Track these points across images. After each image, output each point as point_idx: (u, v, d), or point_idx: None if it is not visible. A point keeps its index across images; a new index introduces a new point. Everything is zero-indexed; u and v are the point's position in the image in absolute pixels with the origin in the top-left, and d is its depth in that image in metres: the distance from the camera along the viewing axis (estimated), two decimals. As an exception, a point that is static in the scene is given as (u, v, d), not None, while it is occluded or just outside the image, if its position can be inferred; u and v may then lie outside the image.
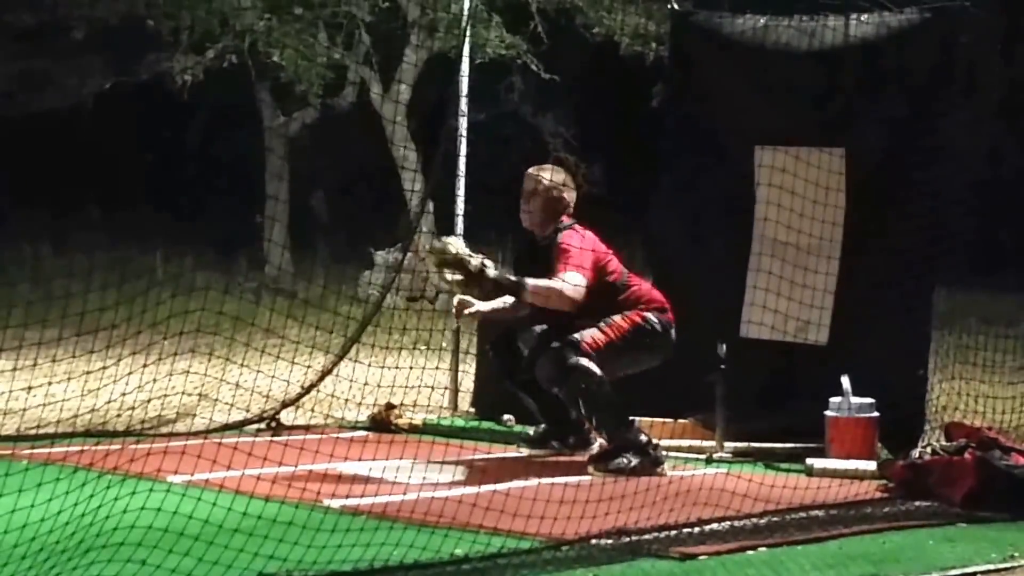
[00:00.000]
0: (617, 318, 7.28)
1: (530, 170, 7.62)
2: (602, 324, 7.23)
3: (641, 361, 7.36)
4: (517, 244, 7.90)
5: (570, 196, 7.52)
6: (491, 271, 7.18)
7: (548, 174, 7.56)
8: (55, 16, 16.77)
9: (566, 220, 7.45)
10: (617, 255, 7.50)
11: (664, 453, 7.26)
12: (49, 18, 16.91)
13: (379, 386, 8.16)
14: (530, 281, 7.16)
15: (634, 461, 7.08)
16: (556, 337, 7.23)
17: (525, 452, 7.63)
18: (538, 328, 7.43)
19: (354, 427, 8.32)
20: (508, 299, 7.42)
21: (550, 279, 7.16)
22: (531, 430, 7.76)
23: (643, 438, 7.18)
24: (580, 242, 7.32)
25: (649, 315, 7.34)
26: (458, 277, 7.23)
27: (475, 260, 7.18)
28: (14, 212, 18.51)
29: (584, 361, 7.09)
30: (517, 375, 7.49)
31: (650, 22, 15.17)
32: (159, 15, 15.97)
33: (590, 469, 7.10)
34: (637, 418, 7.31)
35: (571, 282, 7.14)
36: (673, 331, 7.41)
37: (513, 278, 7.22)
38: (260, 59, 16.21)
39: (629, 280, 7.43)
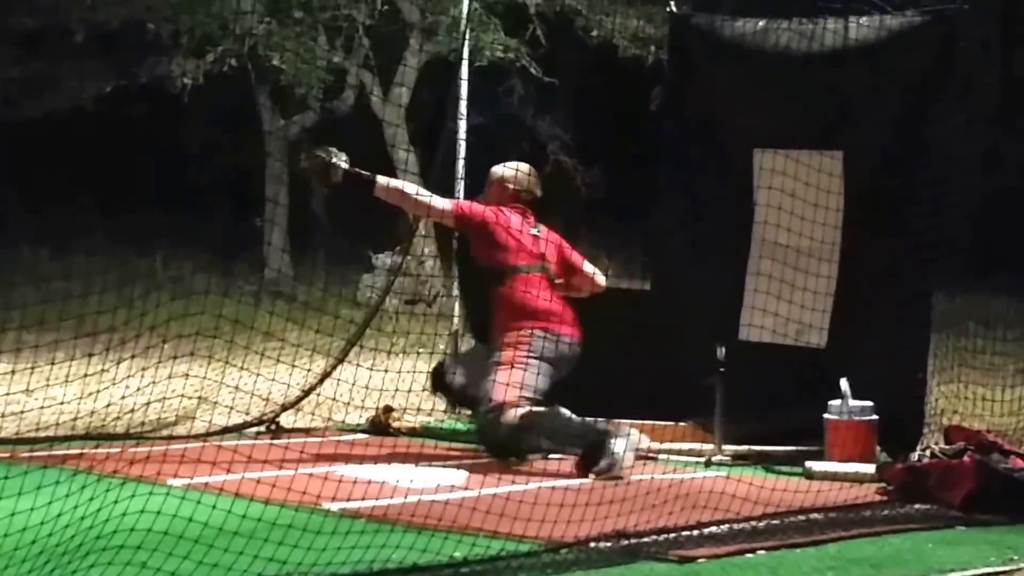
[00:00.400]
0: (510, 349, 7.35)
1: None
2: (505, 360, 7.33)
3: (551, 377, 7.42)
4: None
5: (515, 187, 7.79)
6: (342, 162, 7.49)
7: (500, 169, 7.90)
8: (56, 20, 16.77)
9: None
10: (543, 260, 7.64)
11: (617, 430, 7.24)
12: (50, 21, 16.91)
13: (378, 390, 8.16)
14: (381, 178, 7.49)
15: (613, 454, 7.09)
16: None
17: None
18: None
19: (353, 430, 8.32)
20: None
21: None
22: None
23: (601, 426, 7.19)
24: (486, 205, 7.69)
25: (536, 337, 7.37)
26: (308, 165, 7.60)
27: (329, 154, 7.51)
28: (15, 215, 18.52)
29: (518, 418, 7.16)
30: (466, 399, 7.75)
31: (649, 25, 15.19)
32: (159, 19, 15.98)
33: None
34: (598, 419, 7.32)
35: (426, 194, 7.61)
36: (571, 346, 7.49)
37: (366, 173, 7.48)
38: (260, 62, 16.21)
39: (519, 277, 7.51)
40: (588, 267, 7.88)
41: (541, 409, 7.19)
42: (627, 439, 7.13)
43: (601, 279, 7.91)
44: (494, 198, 7.80)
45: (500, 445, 7.37)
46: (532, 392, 7.25)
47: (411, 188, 7.66)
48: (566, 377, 7.44)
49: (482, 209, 7.66)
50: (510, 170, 7.89)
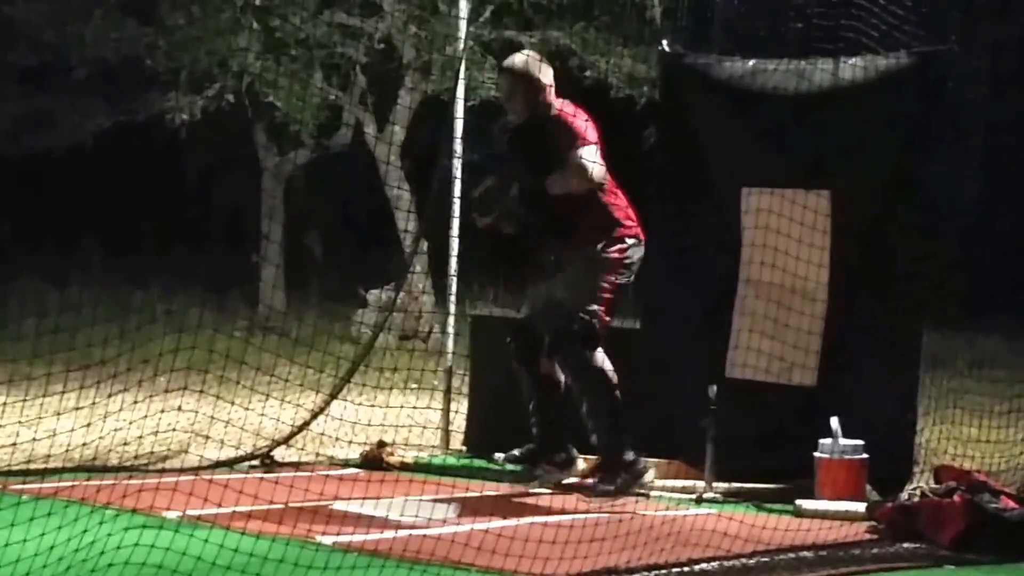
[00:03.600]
0: (610, 270, 7.31)
1: (503, 65, 7.67)
2: (601, 286, 7.28)
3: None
4: (500, 137, 7.83)
5: (546, 73, 7.49)
6: (516, 207, 7.33)
7: (519, 62, 7.55)
8: (57, 56, 16.87)
9: (553, 98, 7.46)
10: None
11: (647, 468, 7.36)
12: (51, 58, 17.01)
13: (371, 424, 8.19)
14: (549, 180, 7.20)
15: (617, 481, 7.18)
16: (565, 304, 7.26)
17: (506, 465, 7.70)
18: (545, 293, 7.45)
19: (346, 465, 8.35)
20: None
21: (564, 165, 7.17)
22: (517, 450, 7.83)
23: (629, 455, 7.26)
24: (579, 118, 7.34)
25: (629, 247, 7.41)
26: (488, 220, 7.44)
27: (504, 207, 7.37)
28: (16, 248, 18.58)
29: (605, 365, 7.21)
30: (534, 367, 7.54)
31: (643, 65, 15.27)
32: (158, 56, 16.07)
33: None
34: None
35: (589, 158, 7.19)
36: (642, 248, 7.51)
37: (533, 189, 7.23)
38: (256, 99, 16.29)
39: (609, 179, 7.46)
40: None
41: (614, 378, 7.23)
42: (632, 476, 7.21)
43: None
44: (534, 97, 7.43)
45: (564, 367, 7.33)
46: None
47: (575, 163, 7.20)
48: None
49: (594, 132, 7.33)
50: (538, 62, 7.54)
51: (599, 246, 7.37)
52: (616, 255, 7.41)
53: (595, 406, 7.27)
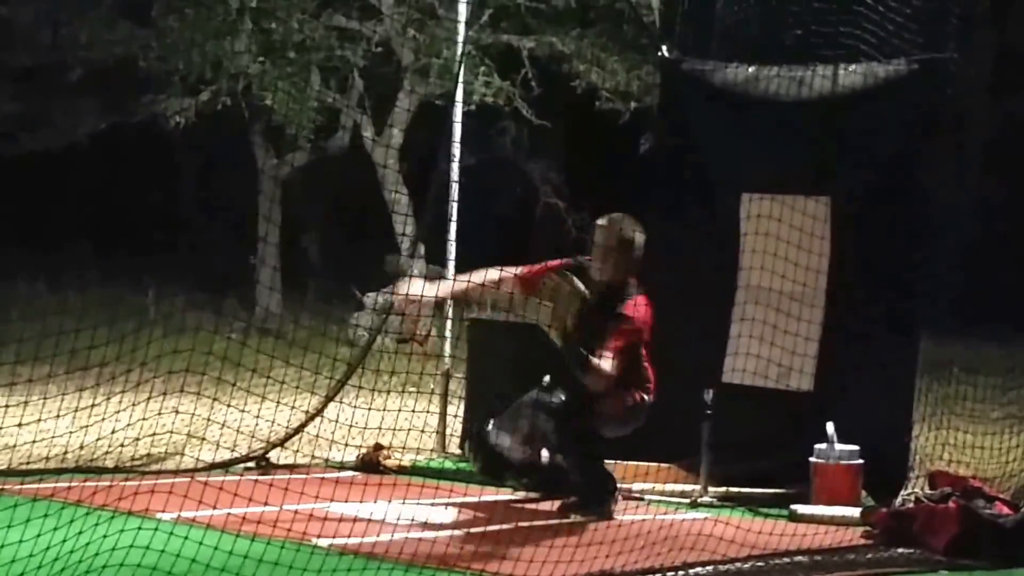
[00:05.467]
0: (627, 397, 7.24)
1: (602, 222, 7.30)
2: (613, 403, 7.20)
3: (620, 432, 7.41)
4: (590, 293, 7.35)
5: (641, 252, 7.29)
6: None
7: (627, 230, 7.27)
8: (53, 57, 16.88)
9: (634, 282, 7.29)
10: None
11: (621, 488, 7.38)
12: (47, 59, 17.03)
13: (370, 428, 8.18)
14: (594, 362, 6.99)
15: (603, 507, 7.18)
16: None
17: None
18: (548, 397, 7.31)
19: (343, 467, 8.35)
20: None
21: (600, 356, 7.00)
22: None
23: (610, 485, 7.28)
24: (641, 315, 7.19)
25: (646, 398, 7.33)
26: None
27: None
28: (9, 249, 18.57)
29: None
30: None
31: (636, 73, 15.32)
32: (153, 58, 16.08)
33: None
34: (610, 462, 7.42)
35: (606, 369, 6.99)
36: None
37: (583, 353, 7.01)
38: (253, 102, 16.31)
39: (646, 355, 7.39)
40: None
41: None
42: (611, 500, 7.25)
43: None
44: (627, 269, 7.28)
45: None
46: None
47: (605, 367, 7.02)
48: None
49: (644, 333, 7.26)
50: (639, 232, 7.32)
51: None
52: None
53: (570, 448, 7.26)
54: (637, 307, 7.17)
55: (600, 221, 7.30)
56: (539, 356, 7.31)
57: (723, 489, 7.71)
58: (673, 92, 8.92)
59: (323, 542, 5.99)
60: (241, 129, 18.12)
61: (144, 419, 7.97)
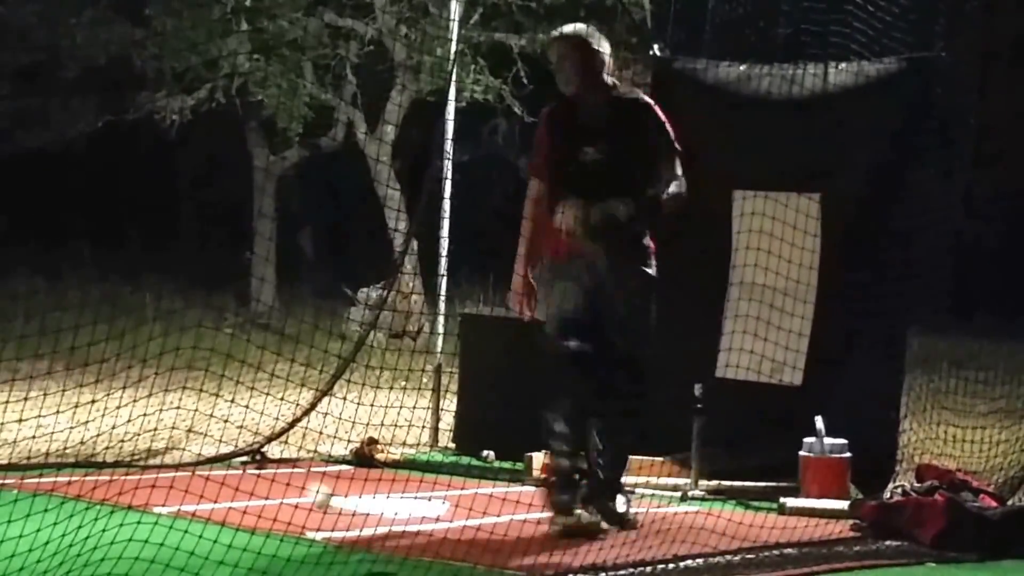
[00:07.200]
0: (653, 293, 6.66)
1: (552, 35, 6.83)
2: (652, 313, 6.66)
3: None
4: (552, 123, 6.75)
5: (606, 48, 6.72)
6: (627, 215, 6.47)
7: (579, 32, 6.74)
8: (49, 55, 16.91)
9: (618, 81, 6.77)
10: None
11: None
12: (43, 57, 17.06)
13: (362, 423, 8.25)
14: (665, 198, 6.48)
15: (622, 505, 6.78)
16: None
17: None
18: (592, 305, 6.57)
19: (337, 462, 8.42)
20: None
21: (671, 173, 6.51)
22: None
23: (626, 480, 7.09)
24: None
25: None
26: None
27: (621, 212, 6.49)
28: (8, 247, 18.61)
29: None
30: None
31: (626, 72, 15.33)
32: (148, 56, 16.12)
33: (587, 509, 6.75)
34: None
35: (682, 188, 6.52)
36: None
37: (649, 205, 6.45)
38: (248, 99, 16.36)
39: None
40: None
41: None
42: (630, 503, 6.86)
43: None
44: (593, 68, 6.64)
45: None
46: None
47: (682, 188, 6.56)
48: None
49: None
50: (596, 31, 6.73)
51: (652, 267, 6.72)
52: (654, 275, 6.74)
53: (623, 435, 6.73)
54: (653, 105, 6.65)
55: (552, 34, 6.88)
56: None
57: (714, 483, 7.78)
58: (664, 90, 8.96)
59: (318, 536, 6.05)
60: (236, 126, 18.17)
61: (142, 414, 8.03)
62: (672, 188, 6.59)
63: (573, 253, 6.54)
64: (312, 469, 7.94)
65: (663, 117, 6.73)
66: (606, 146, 6.56)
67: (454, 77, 9.59)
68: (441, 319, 9.42)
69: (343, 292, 16.05)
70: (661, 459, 8.06)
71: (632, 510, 6.75)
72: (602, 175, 6.53)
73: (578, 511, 6.48)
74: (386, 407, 8.53)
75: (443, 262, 9.31)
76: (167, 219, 21.77)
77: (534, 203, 6.70)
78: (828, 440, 7.58)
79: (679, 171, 6.66)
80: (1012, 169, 16.69)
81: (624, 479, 6.95)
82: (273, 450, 8.44)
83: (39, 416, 7.71)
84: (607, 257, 6.52)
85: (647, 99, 6.84)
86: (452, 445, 9.06)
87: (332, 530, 6.12)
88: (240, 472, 7.39)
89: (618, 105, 6.68)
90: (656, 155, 6.64)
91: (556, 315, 6.63)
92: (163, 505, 6.30)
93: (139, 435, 7.94)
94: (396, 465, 8.31)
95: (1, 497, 5.99)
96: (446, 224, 9.28)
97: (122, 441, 7.93)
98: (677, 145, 6.70)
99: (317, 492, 6.60)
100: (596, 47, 6.68)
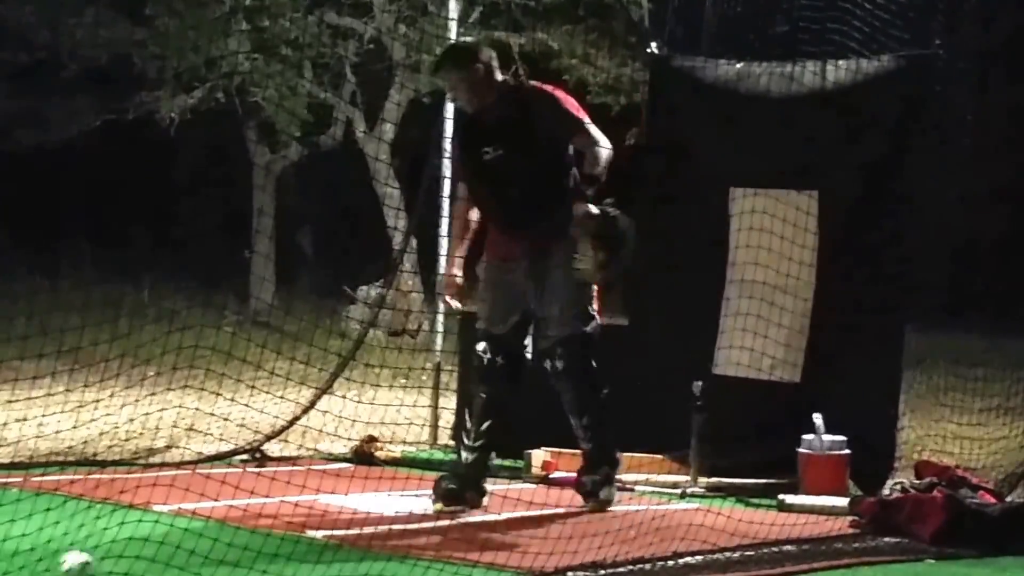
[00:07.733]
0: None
1: (436, 73, 7.28)
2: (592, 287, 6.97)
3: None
4: (457, 130, 7.42)
5: (488, 56, 7.05)
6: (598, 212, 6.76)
7: (459, 57, 7.17)
8: (48, 55, 16.93)
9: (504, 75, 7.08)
10: None
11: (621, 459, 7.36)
12: (42, 56, 17.08)
13: (362, 421, 8.27)
14: (596, 168, 6.70)
15: (608, 487, 7.16)
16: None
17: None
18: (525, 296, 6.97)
19: (336, 460, 8.44)
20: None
21: (584, 141, 6.76)
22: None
23: (614, 452, 7.24)
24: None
25: None
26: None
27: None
28: (7, 246, 18.64)
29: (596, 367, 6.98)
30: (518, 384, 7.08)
31: (625, 69, 15.37)
32: (147, 55, 16.14)
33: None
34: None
35: (600, 137, 6.76)
36: None
37: (588, 189, 6.71)
38: (246, 98, 16.38)
39: None
40: None
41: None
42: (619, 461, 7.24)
43: None
44: (485, 83, 7.00)
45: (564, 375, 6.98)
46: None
47: (603, 149, 6.77)
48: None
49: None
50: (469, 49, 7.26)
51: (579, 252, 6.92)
52: None
53: (591, 405, 7.03)
54: (535, 84, 7.15)
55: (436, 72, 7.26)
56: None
57: (713, 480, 7.79)
58: (662, 88, 8.98)
59: (318, 534, 6.06)
60: (235, 125, 18.19)
61: (142, 412, 8.05)
62: (592, 161, 6.78)
63: (505, 256, 7.05)
64: (312, 467, 7.95)
65: (556, 95, 7.03)
66: (501, 144, 6.93)
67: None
68: (440, 317, 9.43)
69: (342, 290, 16.07)
70: (660, 456, 8.08)
71: (614, 493, 7.12)
72: (504, 171, 6.91)
73: (438, 505, 6.83)
74: (386, 405, 8.58)
75: (442, 260, 9.31)
76: (167, 218, 21.77)
77: (463, 203, 7.20)
78: (827, 437, 7.59)
79: (594, 134, 6.88)
80: (1009, 166, 16.70)
81: (617, 453, 7.23)
82: (273, 448, 8.45)
83: (41, 416, 7.73)
84: (539, 250, 6.90)
85: (538, 86, 7.21)
86: (451, 443, 9.07)
87: (332, 528, 6.13)
88: (240, 470, 7.39)
89: (509, 102, 7.00)
90: (562, 135, 6.93)
91: (482, 327, 7.09)
92: (164, 503, 6.32)
93: (140, 434, 7.96)
94: (396, 463, 8.32)
95: (4, 496, 6.00)
96: (445, 222, 9.28)
97: (125, 440, 7.94)
98: (580, 113, 6.95)
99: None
100: (477, 63, 7.03)
